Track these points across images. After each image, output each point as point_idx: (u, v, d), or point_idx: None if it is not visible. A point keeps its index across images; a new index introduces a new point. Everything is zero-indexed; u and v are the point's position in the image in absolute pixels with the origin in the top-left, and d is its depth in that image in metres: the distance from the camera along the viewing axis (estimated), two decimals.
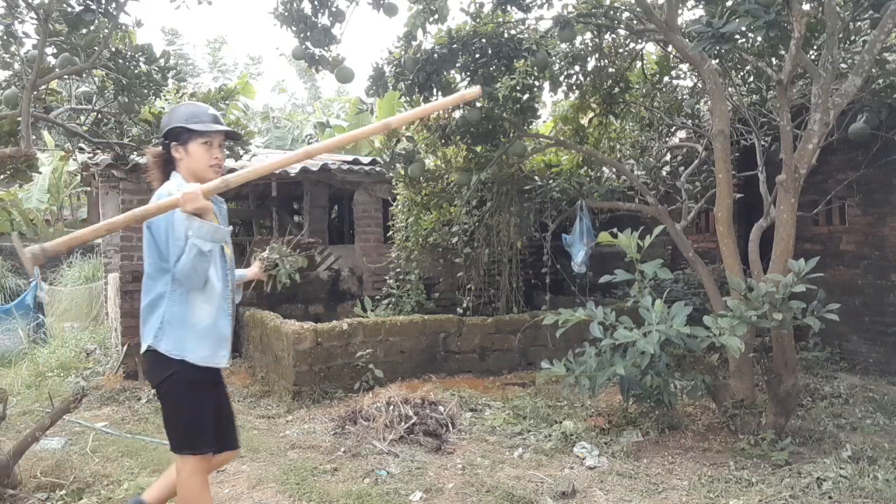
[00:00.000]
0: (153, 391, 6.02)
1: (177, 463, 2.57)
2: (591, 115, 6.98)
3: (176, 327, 2.49)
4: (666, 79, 6.78)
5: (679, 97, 6.87)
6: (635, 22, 5.69)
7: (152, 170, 2.66)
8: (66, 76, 4.79)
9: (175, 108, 2.69)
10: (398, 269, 7.66)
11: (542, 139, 6.84)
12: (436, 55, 5.40)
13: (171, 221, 2.41)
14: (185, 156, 2.57)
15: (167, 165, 2.63)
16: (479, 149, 6.46)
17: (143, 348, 2.57)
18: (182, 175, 2.58)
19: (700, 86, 6.38)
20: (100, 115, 5.78)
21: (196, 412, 2.54)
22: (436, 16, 5.44)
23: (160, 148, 2.65)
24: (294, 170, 7.79)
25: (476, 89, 2.66)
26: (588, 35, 6.21)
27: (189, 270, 2.39)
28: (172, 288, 2.50)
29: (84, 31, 4.66)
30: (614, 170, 6.93)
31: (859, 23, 5.04)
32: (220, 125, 2.63)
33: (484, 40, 5.44)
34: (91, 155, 7.17)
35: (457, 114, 6.30)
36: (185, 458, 2.53)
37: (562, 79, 6.37)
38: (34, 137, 4.67)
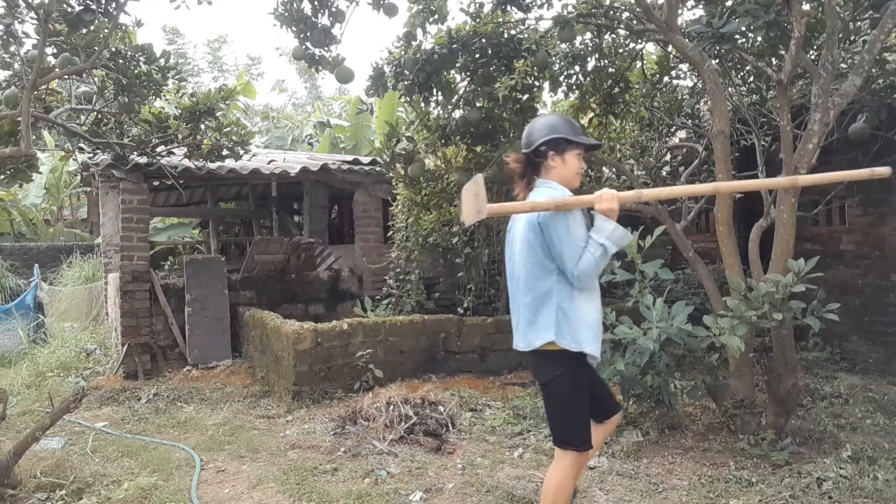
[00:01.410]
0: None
1: (557, 453, 2.73)
2: (591, 115, 6.97)
3: (570, 322, 2.61)
4: (666, 79, 6.77)
5: (679, 97, 6.86)
6: (635, 22, 5.69)
7: (517, 174, 2.82)
8: (66, 76, 4.79)
9: (547, 119, 2.82)
10: (398, 269, 7.66)
11: None
12: (436, 55, 5.40)
13: (569, 224, 2.55)
14: (561, 164, 2.73)
15: (531, 171, 2.79)
16: (479, 149, 6.46)
17: (536, 345, 2.65)
18: (553, 181, 2.72)
19: (700, 86, 6.38)
20: (100, 115, 5.79)
21: (580, 412, 2.69)
22: (436, 16, 5.44)
23: (527, 155, 2.78)
24: (294, 170, 7.79)
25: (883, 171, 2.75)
26: (588, 35, 6.20)
27: (592, 269, 2.55)
28: (559, 285, 2.62)
29: (84, 31, 4.67)
30: (614, 170, 6.93)
31: (859, 23, 5.04)
32: (588, 139, 2.82)
33: (484, 40, 5.44)
34: (91, 155, 7.17)
35: (457, 114, 6.30)
36: (567, 453, 2.68)
37: (562, 79, 6.36)
38: (34, 137, 4.68)
